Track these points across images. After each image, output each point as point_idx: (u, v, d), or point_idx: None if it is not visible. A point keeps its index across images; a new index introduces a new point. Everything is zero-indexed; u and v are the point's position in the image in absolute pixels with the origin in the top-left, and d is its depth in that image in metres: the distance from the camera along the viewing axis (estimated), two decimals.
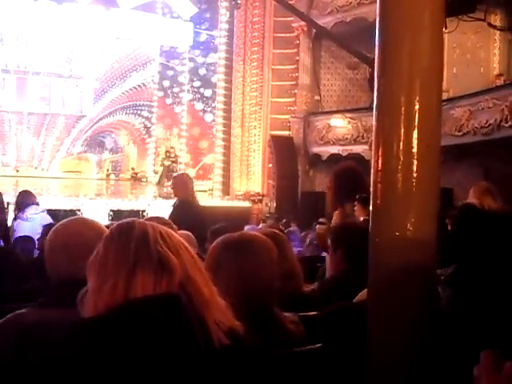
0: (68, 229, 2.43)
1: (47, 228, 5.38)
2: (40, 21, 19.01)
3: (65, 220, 2.53)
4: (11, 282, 4.48)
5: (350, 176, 5.71)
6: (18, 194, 9.19)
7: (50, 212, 10.06)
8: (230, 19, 19.63)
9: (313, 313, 3.07)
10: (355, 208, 5.49)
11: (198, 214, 7.52)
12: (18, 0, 18.67)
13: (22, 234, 7.75)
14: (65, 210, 13.49)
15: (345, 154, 16.42)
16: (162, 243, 1.66)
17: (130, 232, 1.68)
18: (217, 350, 1.60)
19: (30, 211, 8.26)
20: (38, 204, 8.69)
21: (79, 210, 14.30)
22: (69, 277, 2.20)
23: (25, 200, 8.53)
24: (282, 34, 18.45)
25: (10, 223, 8.97)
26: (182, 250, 1.69)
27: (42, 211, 8.58)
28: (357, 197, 5.41)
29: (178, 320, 1.57)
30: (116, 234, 1.71)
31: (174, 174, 12.99)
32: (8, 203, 10.34)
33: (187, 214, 7.13)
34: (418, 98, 2.43)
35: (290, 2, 17.48)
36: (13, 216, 8.93)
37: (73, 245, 2.31)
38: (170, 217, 6.77)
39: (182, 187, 7.92)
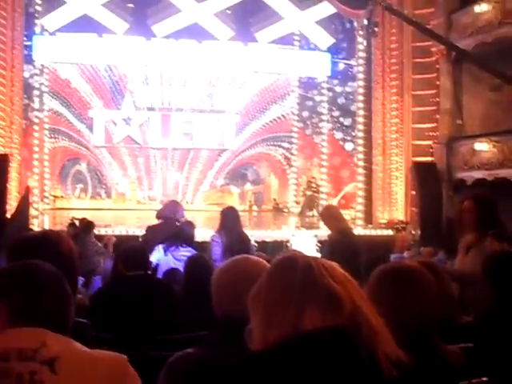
0: (233, 268, 2.49)
1: (191, 262, 5.44)
2: (182, 59, 19.71)
3: (231, 259, 2.61)
4: (164, 314, 4.58)
5: (494, 205, 5.54)
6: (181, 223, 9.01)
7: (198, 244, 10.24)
8: (367, 47, 19.55)
9: (471, 345, 2.97)
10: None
11: (353, 245, 7.36)
12: (161, 41, 19.41)
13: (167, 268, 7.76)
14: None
15: (490, 178, 15.88)
16: (328, 275, 1.65)
17: (293, 266, 1.68)
18: (387, 382, 1.56)
19: (184, 252, 8.10)
20: (193, 236, 8.55)
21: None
22: (234, 316, 2.22)
23: (186, 230, 8.34)
24: (421, 59, 18.15)
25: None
26: (347, 282, 1.67)
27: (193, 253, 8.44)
28: (492, 232, 5.21)
29: (348, 352, 1.55)
30: (280, 268, 1.71)
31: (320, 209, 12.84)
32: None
33: (342, 246, 6.99)
34: None
35: (427, 27, 17.22)
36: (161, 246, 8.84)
37: (237, 283, 2.34)
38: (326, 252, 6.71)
39: (332, 220, 7.77)
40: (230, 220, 7.87)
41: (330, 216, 7.91)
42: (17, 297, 1.95)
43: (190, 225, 8.64)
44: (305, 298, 1.61)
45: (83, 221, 12.72)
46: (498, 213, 5.43)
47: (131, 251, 5.08)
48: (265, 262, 2.51)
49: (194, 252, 7.65)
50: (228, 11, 19.49)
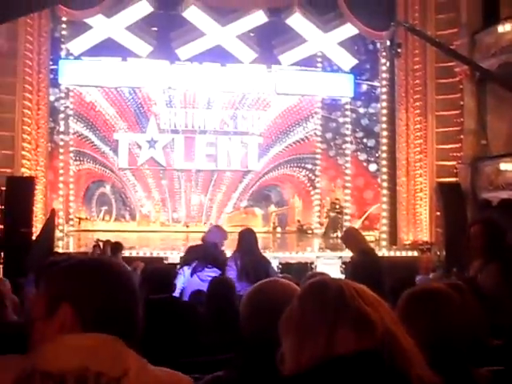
0: (262, 290, 2.49)
1: (213, 283, 5.45)
2: (205, 82, 19.83)
3: (260, 281, 2.63)
4: (188, 336, 4.58)
5: (501, 230, 5.48)
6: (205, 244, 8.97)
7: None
8: (390, 68, 19.56)
9: (500, 367, 2.94)
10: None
11: (375, 264, 7.35)
12: (185, 64, 19.55)
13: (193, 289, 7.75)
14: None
15: None
16: (358, 298, 1.65)
17: (325, 289, 1.70)
18: None
19: (209, 273, 8.10)
20: (218, 257, 8.55)
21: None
22: (263, 338, 2.22)
23: (211, 251, 8.34)
24: (445, 80, 18.11)
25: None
26: (377, 304, 1.66)
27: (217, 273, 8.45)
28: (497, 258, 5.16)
29: (381, 375, 1.54)
30: (311, 292, 1.73)
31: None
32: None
33: (364, 267, 6.98)
34: None
35: (451, 47, 17.20)
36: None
37: (266, 306, 2.34)
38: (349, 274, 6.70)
39: (352, 242, 7.78)
40: (246, 242, 7.89)
41: (350, 238, 7.97)
42: (84, 298, 1.72)
43: (216, 246, 8.65)
44: (337, 321, 1.62)
45: (108, 243, 12.79)
46: (506, 237, 5.36)
47: (156, 274, 5.09)
48: (294, 284, 2.51)
49: (219, 272, 7.68)
50: (251, 34, 19.59)
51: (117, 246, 11.98)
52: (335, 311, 1.63)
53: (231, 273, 7.49)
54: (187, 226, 20.18)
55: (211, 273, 7.57)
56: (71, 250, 16.98)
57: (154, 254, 15.47)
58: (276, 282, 2.56)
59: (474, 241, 5.40)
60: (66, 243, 18.03)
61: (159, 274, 5.10)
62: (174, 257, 14.42)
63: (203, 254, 8.06)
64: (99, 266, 1.81)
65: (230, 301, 5.01)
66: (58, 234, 17.22)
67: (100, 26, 18.72)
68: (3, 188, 15.10)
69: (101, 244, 13.36)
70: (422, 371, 1.62)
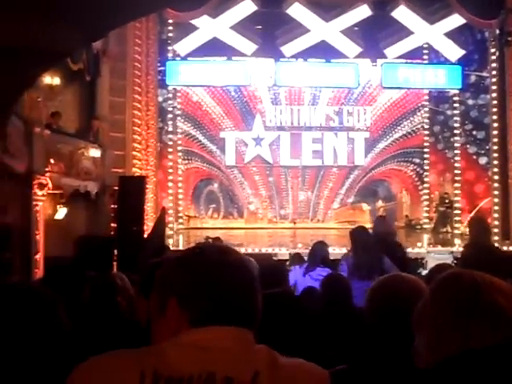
0: (387, 284, 2.49)
1: (328, 279, 5.45)
2: (310, 78, 19.80)
3: (385, 276, 2.65)
4: (300, 331, 4.58)
5: None
6: (313, 243, 8.99)
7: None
8: (499, 58, 19.03)
9: None
10: None
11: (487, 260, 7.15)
12: (289, 61, 19.62)
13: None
14: None
15: None
16: (495, 291, 1.62)
17: (459, 282, 1.67)
18: None
19: (320, 272, 8.09)
20: (327, 256, 8.56)
21: None
22: (388, 332, 2.22)
23: (319, 251, 8.37)
24: None
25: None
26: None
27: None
28: None
29: None
30: (445, 286, 1.70)
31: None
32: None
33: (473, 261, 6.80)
34: None
35: None
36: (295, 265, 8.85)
37: (390, 300, 2.34)
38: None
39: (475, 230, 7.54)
40: (359, 239, 7.79)
41: (476, 225, 7.72)
42: (187, 291, 1.61)
43: (323, 244, 8.65)
44: (472, 316, 1.59)
45: (217, 240, 12.99)
46: None
47: (269, 269, 5.14)
48: (417, 279, 2.50)
49: (329, 271, 7.68)
50: (355, 28, 19.45)
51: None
52: (470, 305, 1.60)
53: (343, 270, 7.48)
54: (294, 223, 20.22)
55: (323, 272, 7.57)
56: (181, 247, 17.33)
57: (263, 251, 15.60)
58: (400, 277, 2.56)
59: None
60: (176, 241, 18.41)
61: (272, 269, 5.14)
62: (283, 253, 14.50)
63: (311, 254, 8.09)
64: (203, 255, 1.68)
65: (346, 297, 5.02)
66: (167, 231, 17.59)
67: (205, 27, 19.01)
68: (116, 188, 15.57)
69: (210, 241, 13.57)
70: None
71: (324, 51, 19.50)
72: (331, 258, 10.13)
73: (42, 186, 13.76)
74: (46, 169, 13.80)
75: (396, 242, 8.40)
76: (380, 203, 20.84)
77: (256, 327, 1.64)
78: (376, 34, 19.55)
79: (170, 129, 19.87)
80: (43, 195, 13.97)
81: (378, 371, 2.19)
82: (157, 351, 1.57)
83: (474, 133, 20.20)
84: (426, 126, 20.60)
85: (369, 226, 19.25)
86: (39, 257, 13.86)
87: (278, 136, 20.53)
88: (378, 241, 7.77)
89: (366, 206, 20.78)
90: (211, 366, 1.52)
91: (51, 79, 14.71)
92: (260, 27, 19.54)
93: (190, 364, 1.53)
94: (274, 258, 13.10)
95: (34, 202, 13.72)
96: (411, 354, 1.69)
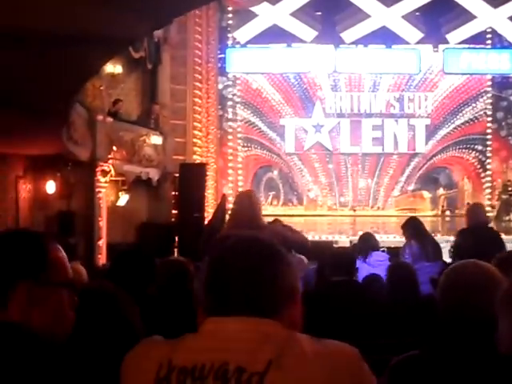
0: (462, 271, 2.47)
1: (394, 267, 5.44)
2: (370, 64, 19.64)
3: (459, 262, 2.61)
4: (369, 319, 4.58)
5: None
6: (360, 236, 9.20)
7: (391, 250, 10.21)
8: None
9: None
10: None
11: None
12: (350, 48, 19.50)
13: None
14: None
15: None
16: None
17: None
18: None
19: (377, 257, 8.16)
20: (378, 249, 8.64)
21: None
22: (462, 319, 2.20)
23: (366, 243, 8.50)
24: None
25: None
26: None
27: (387, 259, 8.53)
28: None
29: None
30: None
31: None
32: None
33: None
34: None
35: None
36: None
37: (466, 286, 2.32)
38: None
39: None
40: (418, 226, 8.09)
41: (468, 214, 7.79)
42: (206, 280, 1.66)
43: (370, 235, 8.70)
44: None
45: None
46: None
47: (338, 257, 5.14)
48: (490, 264, 2.47)
49: (386, 256, 7.75)
50: (417, 13, 19.20)
51: None
52: None
53: (406, 258, 7.55)
54: (354, 210, 20.12)
55: (380, 257, 7.62)
56: None
57: (322, 238, 15.57)
58: (473, 263, 2.52)
59: None
60: None
61: (341, 257, 5.14)
62: (343, 240, 14.46)
63: (364, 241, 8.17)
64: (222, 247, 1.69)
65: (412, 285, 5.00)
66: (228, 218, 17.66)
67: (265, 14, 19.01)
68: (177, 174, 15.73)
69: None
70: None
71: (384, 37, 19.32)
72: (392, 245, 10.12)
73: (104, 173, 13.99)
74: (109, 156, 14.01)
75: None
76: (441, 191, 20.58)
77: (278, 314, 1.60)
78: (438, 19, 19.28)
79: (230, 116, 19.95)
80: (106, 182, 14.20)
81: (448, 357, 2.17)
82: (177, 342, 1.60)
83: None
84: (489, 113, 20.23)
85: (429, 213, 19.26)
86: (102, 243, 14.11)
87: (337, 123, 20.41)
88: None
89: (426, 194, 20.55)
90: (224, 355, 1.52)
91: (113, 67, 14.87)
92: (320, 13, 19.43)
93: (202, 354, 1.54)
94: (335, 246, 13.10)
95: (97, 189, 13.96)
96: (493, 340, 1.68)
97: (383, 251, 8.90)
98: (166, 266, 4.40)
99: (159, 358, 1.57)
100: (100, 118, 13.63)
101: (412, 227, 8.09)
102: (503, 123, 20.19)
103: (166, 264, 4.54)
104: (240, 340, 1.54)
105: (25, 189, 13.68)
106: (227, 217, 17.32)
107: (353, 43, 19.50)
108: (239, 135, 20.10)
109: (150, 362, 1.58)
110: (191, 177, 15.29)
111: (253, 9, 18.91)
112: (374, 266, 7.95)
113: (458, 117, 20.41)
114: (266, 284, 1.60)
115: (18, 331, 1.69)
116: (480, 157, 20.33)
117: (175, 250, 14.81)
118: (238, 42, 19.76)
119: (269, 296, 1.60)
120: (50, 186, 13.54)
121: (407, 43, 19.45)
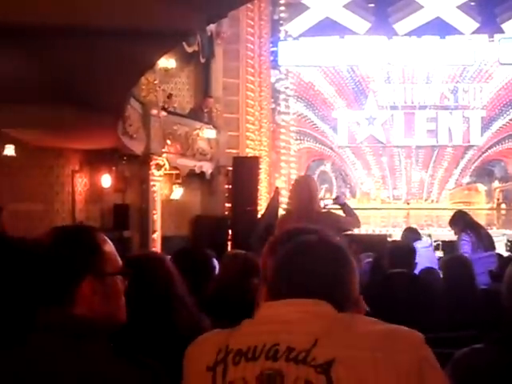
0: None
1: (449, 261, 5.41)
2: (424, 56, 19.44)
3: None
4: (426, 312, 4.56)
5: None
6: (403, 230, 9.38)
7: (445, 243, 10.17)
8: None
9: None
10: None
11: None
12: (403, 38, 19.31)
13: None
14: None
15: None
16: None
17: None
18: None
19: (421, 245, 8.24)
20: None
21: None
22: None
23: (409, 233, 8.65)
24: None
25: None
26: None
27: (430, 245, 8.73)
28: None
29: None
30: None
31: None
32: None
33: None
34: None
35: None
36: None
37: None
38: None
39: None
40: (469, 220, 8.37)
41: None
42: (267, 265, 1.80)
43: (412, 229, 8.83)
44: None
45: None
46: None
47: (398, 249, 5.13)
48: None
49: (429, 242, 8.15)
50: (472, 3, 18.91)
51: None
52: None
53: (466, 247, 7.70)
54: (408, 203, 19.93)
55: (423, 244, 7.89)
56: None
57: (376, 231, 15.49)
58: None
59: None
60: None
61: (401, 249, 5.12)
62: (397, 233, 14.34)
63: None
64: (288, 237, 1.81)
65: (469, 278, 4.95)
66: (281, 212, 17.67)
67: (317, 6, 18.95)
68: (230, 168, 15.80)
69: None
70: None
71: (438, 28, 19.07)
72: (446, 239, 10.15)
73: (159, 167, 14.13)
74: (163, 150, 14.15)
75: None
76: (496, 184, 20.27)
77: (338, 298, 1.67)
78: (493, 9, 18.93)
79: (283, 109, 19.93)
80: (160, 176, 14.34)
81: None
82: (234, 329, 1.72)
83: None
84: None
85: (485, 206, 19.00)
86: (156, 236, 14.26)
87: (391, 115, 20.23)
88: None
89: (481, 187, 20.26)
90: (275, 337, 1.61)
91: (167, 62, 14.97)
92: (372, 5, 19.28)
93: (256, 336, 1.64)
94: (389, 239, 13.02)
95: (152, 183, 14.11)
96: None
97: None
98: (233, 259, 4.37)
99: (218, 344, 1.67)
100: (154, 112, 13.76)
101: (463, 220, 8.23)
102: None
103: (235, 257, 4.51)
104: (291, 322, 1.62)
105: (81, 183, 13.92)
106: (280, 210, 17.46)
107: (406, 35, 19.29)
108: (292, 128, 20.07)
109: (211, 347, 1.69)
110: (244, 170, 15.33)
111: (305, 1, 18.87)
112: (420, 252, 8.05)
113: None
114: (331, 287, 1.69)
115: (101, 328, 1.83)
116: None
117: (229, 243, 14.88)
118: (290, 35, 19.71)
119: (327, 284, 1.69)
120: (106, 180, 13.75)
121: (462, 34, 19.16)
